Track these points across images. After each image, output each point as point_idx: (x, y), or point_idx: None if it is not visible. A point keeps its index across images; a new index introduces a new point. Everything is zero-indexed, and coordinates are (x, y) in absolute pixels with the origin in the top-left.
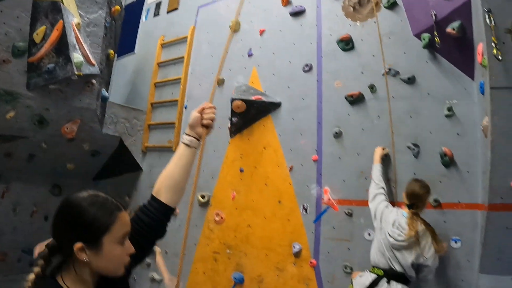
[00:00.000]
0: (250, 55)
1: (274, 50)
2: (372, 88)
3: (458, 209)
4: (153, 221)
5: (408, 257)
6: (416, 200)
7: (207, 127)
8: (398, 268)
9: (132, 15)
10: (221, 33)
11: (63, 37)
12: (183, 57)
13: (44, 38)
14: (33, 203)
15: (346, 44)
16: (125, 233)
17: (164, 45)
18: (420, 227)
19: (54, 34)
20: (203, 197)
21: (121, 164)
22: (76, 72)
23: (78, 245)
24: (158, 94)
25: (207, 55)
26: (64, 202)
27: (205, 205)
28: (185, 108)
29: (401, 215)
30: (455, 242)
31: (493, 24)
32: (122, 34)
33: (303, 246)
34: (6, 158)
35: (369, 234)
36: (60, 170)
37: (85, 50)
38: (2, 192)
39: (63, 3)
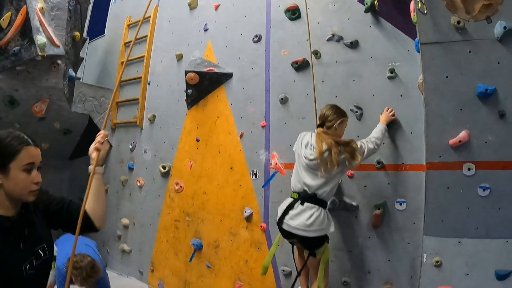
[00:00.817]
0: (206, 30)
1: (227, 23)
2: (316, 54)
3: (402, 170)
4: (73, 223)
5: (318, 178)
6: (324, 119)
7: (97, 149)
8: (310, 190)
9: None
10: (180, 11)
11: (27, 21)
12: (146, 36)
13: (10, 23)
14: None
15: (293, 13)
16: (30, 163)
17: (130, 26)
18: (329, 143)
19: (19, 19)
20: (164, 167)
21: (91, 142)
22: (40, 53)
23: None
24: (126, 73)
25: (167, 33)
26: None
27: (166, 175)
28: (149, 84)
29: (312, 135)
30: (400, 204)
31: None
32: (93, 18)
33: (253, 211)
34: None
35: None
36: None
37: (48, 32)
38: None
39: None
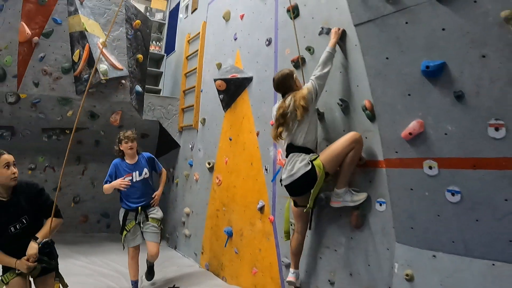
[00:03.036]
0: (235, 39)
1: (249, 31)
2: (309, 50)
3: (383, 167)
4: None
5: (294, 131)
6: (281, 87)
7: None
8: (293, 143)
9: (173, 19)
10: (219, 24)
11: (90, 55)
12: (197, 50)
13: (80, 57)
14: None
15: (293, 12)
16: (6, 164)
17: (190, 41)
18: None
19: (85, 54)
20: (209, 163)
21: (165, 143)
22: (102, 78)
23: None
24: (188, 83)
25: (212, 45)
26: None
27: (211, 170)
28: (201, 91)
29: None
30: (380, 204)
31: None
32: (169, 36)
33: (265, 203)
34: (79, 145)
35: None
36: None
37: (110, 60)
38: (82, 170)
39: (87, 31)
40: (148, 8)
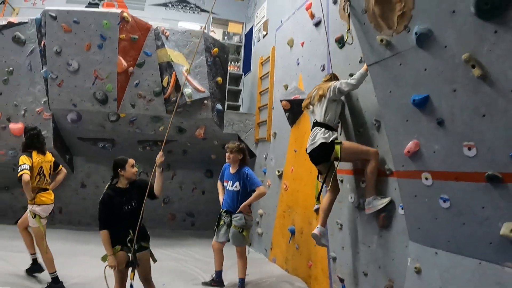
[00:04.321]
0: (298, 63)
1: (308, 57)
2: (351, 75)
3: (402, 177)
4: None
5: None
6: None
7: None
8: (318, 120)
9: (249, 41)
10: (284, 49)
11: (177, 81)
12: (268, 72)
13: (168, 83)
14: (193, 183)
15: (339, 42)
16: (132, 164)
17: (262, 63)
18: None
19: (172, 80)
20: (278, 171)
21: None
22: (188, 100)
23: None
24: (262, 100)
25: (279, 68)
26: None
27: (280, 177)
28: (273, 109)
29: None
30: (402, 208)
31: None
32: (246, 57)
33: (319, 206)
34: (169, 154)
35: (351, 197)
36: (207, 159)
37: (193, 84)
38: (172, 176)
39: (173, 61)
40: (226, 32)
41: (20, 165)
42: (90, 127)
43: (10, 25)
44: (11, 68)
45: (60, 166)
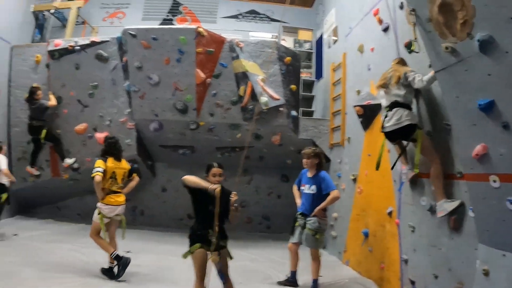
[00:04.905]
0: (369, 69)
1: (379, 62)
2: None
3: (470, 180)
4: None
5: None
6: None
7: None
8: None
9: (319, 47)
10: (355, 55)
11: (252, 90)
12: (340, 78)
13: (244, 92)
14: (269, 187)
15: (408, 47)
16: (213, 174)
17: (334, 69)
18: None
19: (248, 89)
20: (353, 175)
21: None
22: (264, 107)
23: None
24: (335, 106)
25: (351, 73)
26: None
27: (354, 181)
28: (346, 114)
29: None
30: (471, 211)
31: None
32: (318, 64)
33: (393, 209)
34: (246, 159)
35: (423, 201)
36: (283, 164)
37: (269, 92)
38: (249, 180)
39: (248, 71)
40: (296, 39)
41: (95, 167)
42: (171, 135)
43: (93, 44)
44: (95, 83)
45: (134, 174)
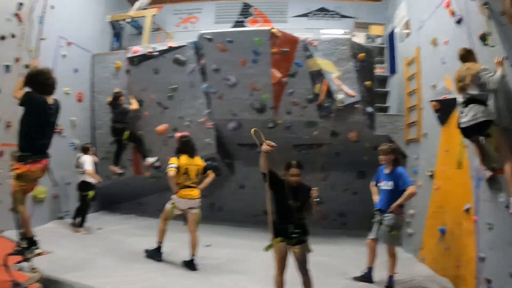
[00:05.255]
0: (443, 63)
1: (453, 55)
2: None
3: None
4: None
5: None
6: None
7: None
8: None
9: (392, 41)
10: (428, 49)
11: (328, 87)
12: (415, 73)
13: (320, 90)
14: (345, 184)
15: (483, 39)
16: (291, 174)
17: (408, 64)
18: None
19: (323, 87)
20: (429, 172)
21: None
22: (339, 105)
23: None
24: (410, 101)
25: (425, 68)
26: None
27: (431, 177)
28: (422, 109)
29: None
30: None
31: None
32: (390, 58)
33: (470, 206)
34: (322, 156)
35: (501, 197)
36: (359, 161)
37: (344, 89)
38: (325, 177)
39: (323, 69)
40: (368, 34)
41: (169, 164)
42: (248, 133)
43: (171, 49)
44: (174, 86)
45: (209, 170)
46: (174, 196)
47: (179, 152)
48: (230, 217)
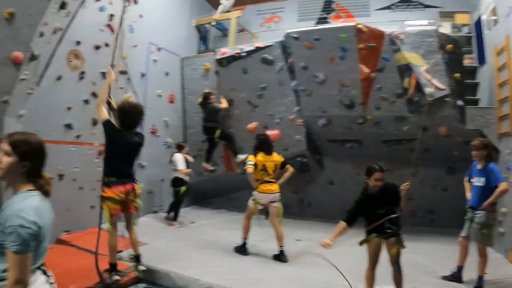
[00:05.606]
0: None
1: None
2: None
3: None
4: None
5: None
6: None
7: None
8: None
9: (479, 30)
10: None
11: (417, 81)
12: (505, 63)
13: (409, 84)
14: (434, 180)
15: None
16: (376, 178)
17: (498, 54)
18: None
19: (413, 81)
20: None
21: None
22: (428, 99)
23: None
24: (502, 93)
25: None
26: None
27: None
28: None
29: None
30: None
31: None
32: (478, 47)
33: None
34: (410, 152)
35: None
36: (449, 156)
37: (433, 83)
38: (413, 173)
39: (411, 63)
40: (454, 24)
41: (247, 162)
42: (338, 130)
43: (258, 49)
44: (263, 85)
45: (288, 165)
46: (255, 192)
47: (256, 149)
48: (319, 213)
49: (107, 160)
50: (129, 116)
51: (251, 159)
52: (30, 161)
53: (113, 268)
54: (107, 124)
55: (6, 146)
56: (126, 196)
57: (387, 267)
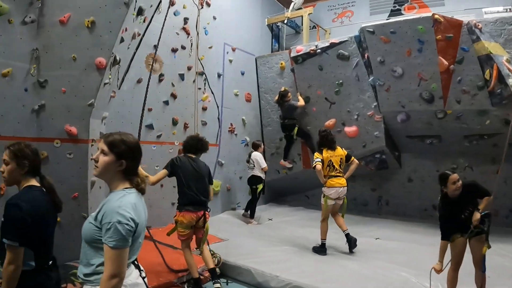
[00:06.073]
0: None
1: None
2: None
3: None
4: None
5: None
6: None
7: None
8: None
9: None
10: None
11: (499, 72)
12: None
13: (490, 76)
14: None
15: None
16: (453, 181)
17: None
18: None
19: (494, 72)
20: None
21: None
22: None
23: None
24: None
25: None
26: None
27: None
28: None
29: None
30: None
31: None
32: None
33: None
34: (494, 147)
35: None
36: None
37: None
38: (497, 170)
39: (491, 53)
40: None
41: (314, 159)
42: (418, 125)
43: (333, 45)
44: (340, 81)
45: (352, 157)
46: (324, 189)
47: (320, 146)
48: (397, 211)
49: (178, 188)
50: (190, 144)
51: (317, 156)
52: (127, 160)
53: (196, 283)
54: (171, 161)
55: (103, 146)
56: (198, 223)
57: (466, 268)
